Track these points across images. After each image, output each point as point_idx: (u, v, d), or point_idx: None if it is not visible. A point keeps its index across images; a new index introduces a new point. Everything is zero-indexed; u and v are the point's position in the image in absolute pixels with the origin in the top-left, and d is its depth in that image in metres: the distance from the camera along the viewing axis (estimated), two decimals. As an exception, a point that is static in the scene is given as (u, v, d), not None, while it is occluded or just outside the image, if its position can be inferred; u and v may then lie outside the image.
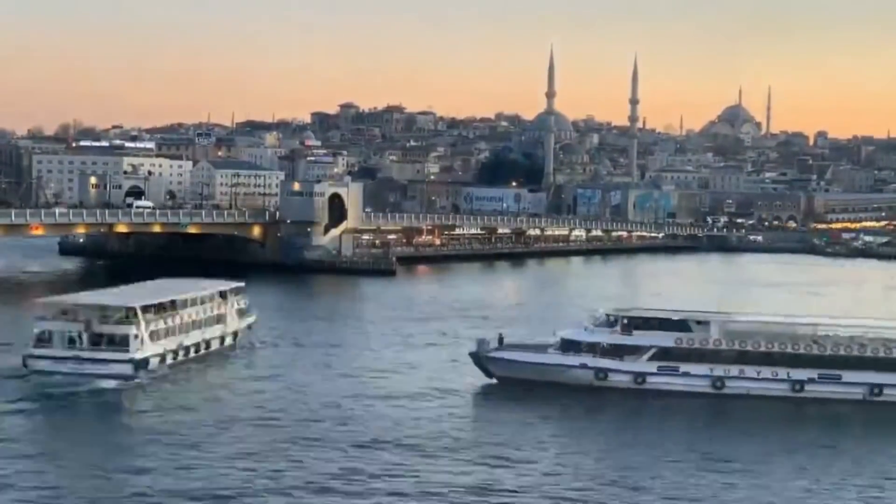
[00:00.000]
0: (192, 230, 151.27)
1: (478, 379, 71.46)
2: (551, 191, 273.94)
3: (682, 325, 69.83)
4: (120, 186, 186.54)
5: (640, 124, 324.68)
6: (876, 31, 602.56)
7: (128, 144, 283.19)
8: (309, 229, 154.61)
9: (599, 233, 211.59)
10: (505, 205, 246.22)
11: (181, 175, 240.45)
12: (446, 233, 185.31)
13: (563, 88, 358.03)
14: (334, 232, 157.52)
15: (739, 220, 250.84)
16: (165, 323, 72.56)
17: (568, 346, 69.98)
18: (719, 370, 68.15)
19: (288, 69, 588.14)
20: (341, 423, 59.48)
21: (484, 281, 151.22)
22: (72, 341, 68.32)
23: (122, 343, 68.40)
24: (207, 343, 77.57)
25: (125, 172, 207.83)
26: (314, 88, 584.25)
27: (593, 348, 69.19)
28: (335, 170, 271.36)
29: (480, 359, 71.18)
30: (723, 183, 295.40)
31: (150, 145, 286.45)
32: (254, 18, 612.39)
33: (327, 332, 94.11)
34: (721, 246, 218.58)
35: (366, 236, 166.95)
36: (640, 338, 69.08)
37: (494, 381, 70.44)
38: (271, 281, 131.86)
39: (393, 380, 72.52)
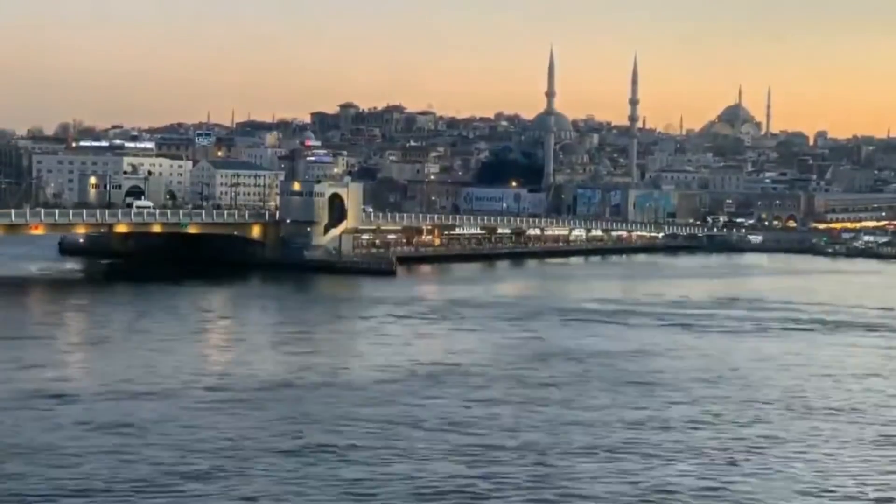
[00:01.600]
0: (192, 230, 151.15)
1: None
2: (551, 191, 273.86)
3: None
4: (120, 186, 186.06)
5: (640, 124, 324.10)
6: (875, 32, 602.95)
7: (128, 144, 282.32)
8: (309, 229, 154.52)
9: (599, 233, 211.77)
10: (505, 205, 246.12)
11: (181, 175, 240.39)
12: (446, 233, 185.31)
13: (563, 88, 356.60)
14: (334, 232, 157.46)
15: (739, 220, 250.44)
16: None
17: None
18: None
19: (288, 69, 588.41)
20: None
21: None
22: None
23: None
24: None
25: (125, 172, 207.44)
26: (314, 88, 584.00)
27: None
28: (335, 170, 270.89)
29: None
30: (723, 183, 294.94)
31: (150, 145, 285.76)
32: (253, 19, 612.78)
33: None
34: (721, 246, 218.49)
35: (366, 236, 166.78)
36: None
37: None
38: (271, 281, 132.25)
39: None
